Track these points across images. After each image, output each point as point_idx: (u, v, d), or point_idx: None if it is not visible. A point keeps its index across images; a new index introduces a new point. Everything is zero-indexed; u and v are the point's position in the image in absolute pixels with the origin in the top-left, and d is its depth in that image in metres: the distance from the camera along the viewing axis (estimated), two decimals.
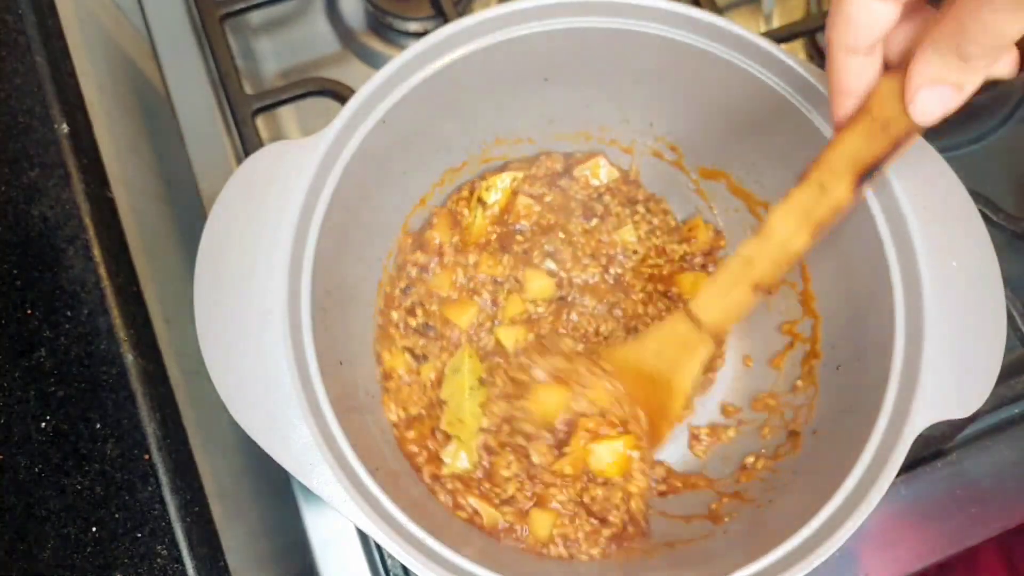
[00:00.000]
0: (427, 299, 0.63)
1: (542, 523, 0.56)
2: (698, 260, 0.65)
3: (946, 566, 0.61)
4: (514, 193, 0.65)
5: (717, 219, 0.66)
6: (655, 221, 0.66)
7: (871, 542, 0.60)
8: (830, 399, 0.56)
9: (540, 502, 0.56)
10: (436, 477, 0.57)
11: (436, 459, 0.58)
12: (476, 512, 0.56)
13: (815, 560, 0.44)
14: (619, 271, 0.64)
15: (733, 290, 0.50)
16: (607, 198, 0.66)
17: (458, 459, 0.58)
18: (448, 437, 0.59)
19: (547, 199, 0.65)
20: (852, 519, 0.45)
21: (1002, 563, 0.75)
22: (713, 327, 0.52)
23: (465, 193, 0.66)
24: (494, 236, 0.64)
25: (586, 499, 0.56)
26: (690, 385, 0.54)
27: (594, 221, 0.65)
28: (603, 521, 0.56)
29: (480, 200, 0.64)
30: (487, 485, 0.57)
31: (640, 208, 0.66)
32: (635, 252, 0.65)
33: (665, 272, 0.65)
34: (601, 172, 0.66)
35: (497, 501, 0.57)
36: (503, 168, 0.66)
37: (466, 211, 0.65)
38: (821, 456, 0.53)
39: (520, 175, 0.65)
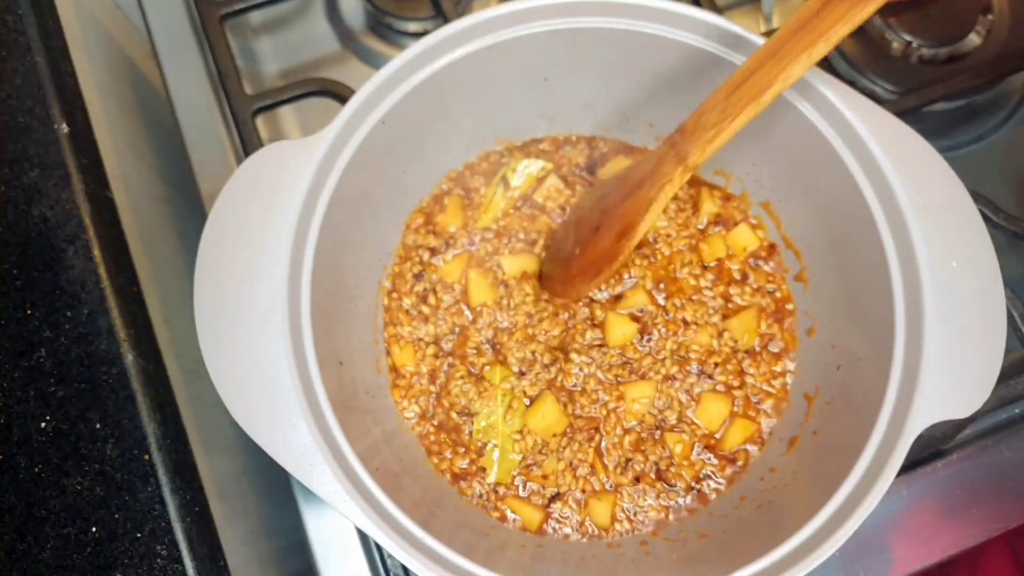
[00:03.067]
0: (439, 287, 0.63)
1: (601, 511, 0.57)
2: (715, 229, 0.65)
3: (947, 566, 0.61)
4: (539, 180, 0.65)
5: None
6: (673, 205, 0.65)
7: (871, 542, 0.60)
8: (829, 399, 0.56)
9: (598, 493, 0.58)
10: (459, 476, 0.58)
11: (466, 460, 0.59)
12: (513, 515, 0.58)
13: (815, 561, 0.44)
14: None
15: (726, 116, 0.49)
16: None
17: (503, 465, 0.59)
18: (483, 445, 0.59)
19: (577, 187, 0.65)
20: (852, 519, 0.45)
21: (1009, 560, 0.75)
22: (697, 163, 0.51)
23: (484, 167, 0.66)
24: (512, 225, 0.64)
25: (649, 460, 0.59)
26: (652, 223, 0.54)
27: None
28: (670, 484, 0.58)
29: (504, 179, 0.64)
30: (536, 485, 0.58)
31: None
32: (668, 236, 0.64)
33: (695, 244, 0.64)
34: (622, 167, 0.66)
35: (544, 501, 0.58)
36: (528, 152, 0.66)
37: (483, 188, 0.65)
38: (821, 457, 0.53)
39: (550, 165, 0.65)
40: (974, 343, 0.48)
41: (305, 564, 0.61)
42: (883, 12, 0.74)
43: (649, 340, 0.61)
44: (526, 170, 0.65)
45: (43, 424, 0.50)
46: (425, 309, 0.62)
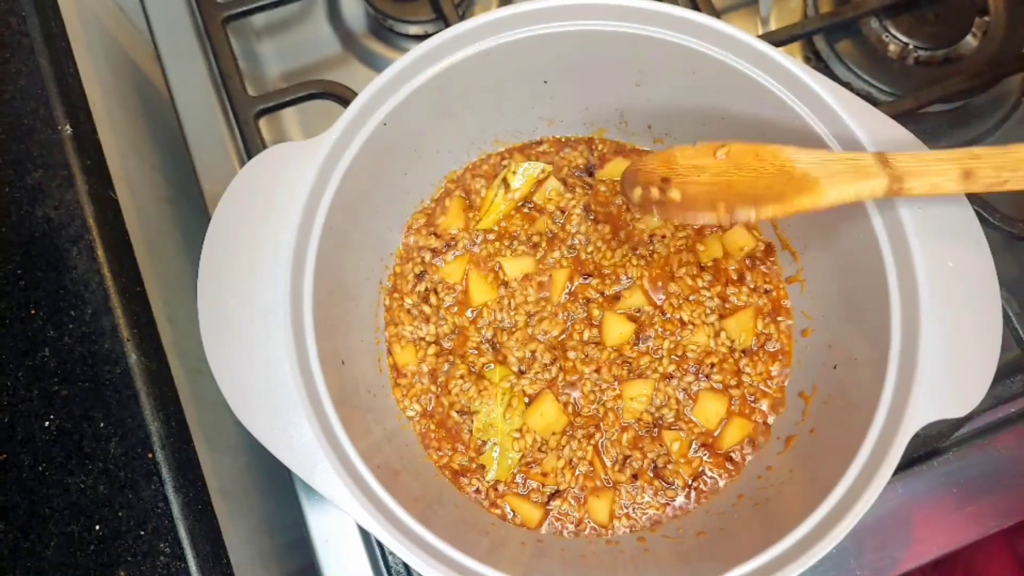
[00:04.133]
0: (441, 287, 0.63)
1: (600, 508, 0.58)
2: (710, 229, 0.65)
3: (944, 563, 0.61)
4: (539, 182, 0.65)
5: None
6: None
7: (867, 540, 0.61)
8: (826, 398, 0.57)
9: (596, 490, 0.58)
10: (459, 473, 0.59)
11: (466, 458, 0.60)
12: (513, 512, 0.58)
13: (811, 558, 0.45)
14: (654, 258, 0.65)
15: (943, 166, 0.48)
16: None
17: (503, 462, 0.59)
18: (483, 443, 0.60)
19: (577, 189, 0.66)
20: (848, 517, 0.45)
21: (1010, 557, 0.75)
22: (899, 176, 0.48)
23: (484, 168, 0.66)
24: (515, 227, 0.65)
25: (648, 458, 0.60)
26: (835, 202, 0.48)
27: (615, 210, 0.65)
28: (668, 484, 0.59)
29: (505, 181, 0.65)
30: (536, 483, 0.59)
31: None
32: (663, 237, 0.65)
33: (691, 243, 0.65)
34: (622, 170, 0.66)
35: (543, 498, 0.58)
36: (528, 154, 0.67)
37: (484, 190, 0.65)
38: (818, 455, 0.54)
39: (550, 167, 0.66)
40: (970, 343, 0.48)
41: (307, 561, 0.61)
42: (881, 13, 0.75)
43: (647, 340, 0.62)
44: (526, 172, 0.65)
45: (47, 423, 0.51)
46: (426, 309, 0.63)
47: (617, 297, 0.63)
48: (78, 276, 0.54)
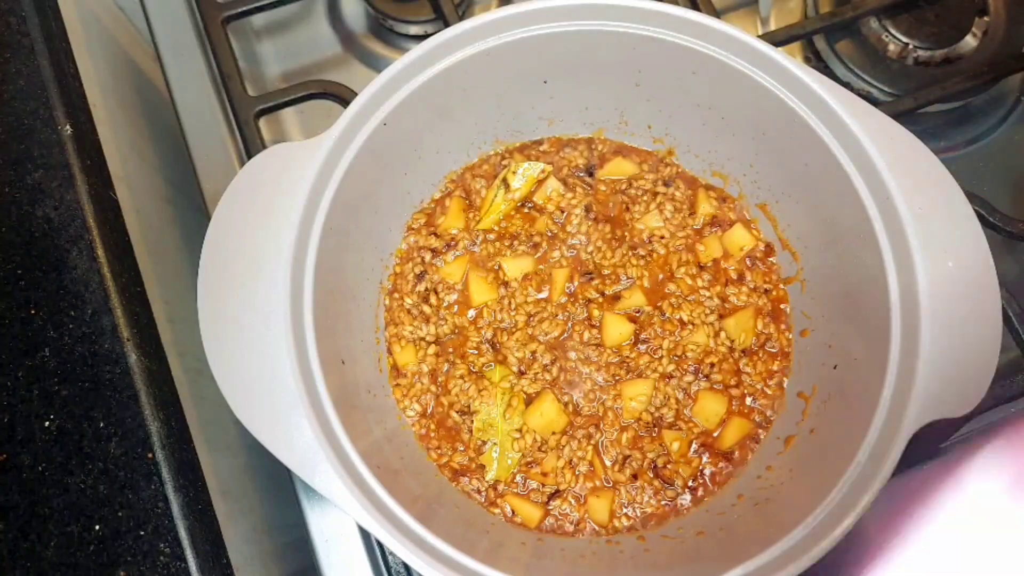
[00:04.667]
0: (441, 287, 0.63)
1: (600, 508, 0.58)
2: (709, 229, 0.65)
3: None
4: (539, 182, 0.65)
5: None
6: (670, 207, 0.66)
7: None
8: (826, 398, 0.57)
9: (596, 490, 0.58)
10: (459, 472, 0.59)
11: (466, 458, 0.60)
12: (513, 512, 0.58)
13: (811, 558, 0.45)
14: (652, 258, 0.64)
15: None
16: (630, 191, 0.66)
17: (503, 462, 0.59)
18: (483, 443, 0.60)
19: (578, 189, 0.66)
20: (848, 517, 0.45)
21: None
22: None
23: (484, 168, 0.66)
24: (514, 228, 0.65)
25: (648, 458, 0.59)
26: None
27: (615, 210, 0.66)
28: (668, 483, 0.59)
29: (505, 181, 0.65)
30: (536, 483, 0.59)
31: (660, 190, 0.66)
32: (662, 237, 0.65)
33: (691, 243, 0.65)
34: (621, 170, 0.66)
35: (543, 498, 0.58)
36: (528, 154, 0.67)
37: (484, 190, 0.65)
38: (817, 455, 0.54)
39: (550, 168, 0.66)
40: (970, 343, 0.48)
41: (307, 561, 0.61)
42: (880, 13, 0.75)
43: (646, 339, 0.62)
44: (526, 172, 0.65)
45: (47, 423, 0.51)
46: (426, 309, 0.63)
47: (617, 297, 0.63)
48: (78, 276, 0.54)
